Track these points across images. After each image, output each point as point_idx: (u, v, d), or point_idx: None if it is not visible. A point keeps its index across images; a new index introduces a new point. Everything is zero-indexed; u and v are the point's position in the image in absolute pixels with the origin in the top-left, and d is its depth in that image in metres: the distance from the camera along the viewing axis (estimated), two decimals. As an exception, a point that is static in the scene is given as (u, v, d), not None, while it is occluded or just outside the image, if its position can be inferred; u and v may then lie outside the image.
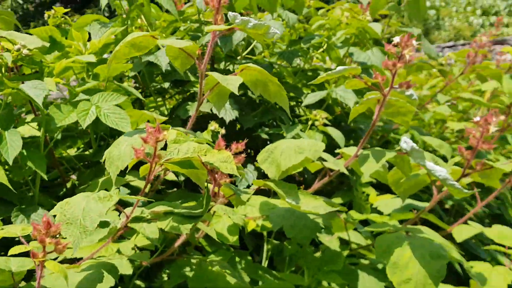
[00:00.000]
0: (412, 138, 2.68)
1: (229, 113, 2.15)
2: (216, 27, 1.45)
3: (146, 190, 1.34)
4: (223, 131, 2.06)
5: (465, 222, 2.05)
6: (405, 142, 1.61)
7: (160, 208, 1.38)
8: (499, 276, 2.24)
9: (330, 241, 2.04)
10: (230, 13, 1.41)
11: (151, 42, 1.52)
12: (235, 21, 1.41)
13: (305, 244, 1.71)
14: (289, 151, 1.56)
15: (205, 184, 1.39)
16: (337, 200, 2.41)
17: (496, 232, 1.93)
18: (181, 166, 1.32)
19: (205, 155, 1.27)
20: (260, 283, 1.74)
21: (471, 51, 2.87)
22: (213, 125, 2.05)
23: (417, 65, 2.88)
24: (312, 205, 1.49)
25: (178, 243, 1.50)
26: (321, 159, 1.72)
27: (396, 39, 1.55)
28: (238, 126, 2.44)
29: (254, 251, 2.13)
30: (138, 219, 1.37)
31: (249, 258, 1.90)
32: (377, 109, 1.66)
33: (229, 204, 1.51)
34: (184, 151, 1.24)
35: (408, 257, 1.61)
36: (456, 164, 2.02)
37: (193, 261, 1.64)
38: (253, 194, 1.78)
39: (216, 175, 1.37)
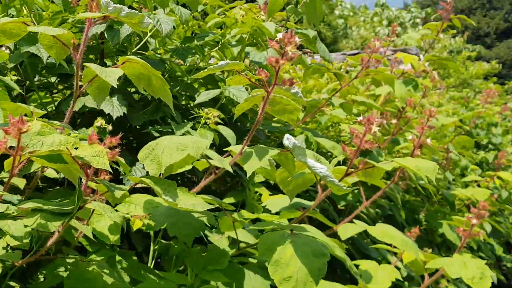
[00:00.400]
0: (307, 140, 2.69)
1: (116, 109, 2.07)
2: (88, 14, 1.39)
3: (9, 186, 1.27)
4: (110, 127, 2.00)
5: (352, 221, 2.07)
6: (287, 139, 1.60)
7: (29, 205, 1.31)
8: (384, 274, 2.28)
9: (220, 241, 2.00)
10: (102, 0, 1.35)
11: (23, 29, 1.44)
12: (108, 9, 1.35)
13: (188, 242, 1.67)
14: (171, 148, 1.51)
15: (77, 180, 1.33)
16: (229, 200, 2.39)
17: (379, 230, 1.95)
18: (49, 160, 1.26)
19: (76, 149, 1.21)
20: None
21: (365, 56, 2.91)
22: (99, 121, 1.97)
23: (313, 68, 2.89)
24: (190, 202, 1.45)
25: (50, 242, 1.43)
26: (206, 157, 1.68)
27: (279, 35, 1.53)
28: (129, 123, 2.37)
29: (144, 251, 2.07)
30: (3, 216, 1.29)
31: (134, 258, 1.84)
32: (261, 106, 1.64)
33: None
34: (48, 144, 1.17)
35: (290, 255, 1.59)
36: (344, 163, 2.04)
37: (69, 261, 1.57)
38: (142, 192, 1.73)
39: (88, 171, 1.31)
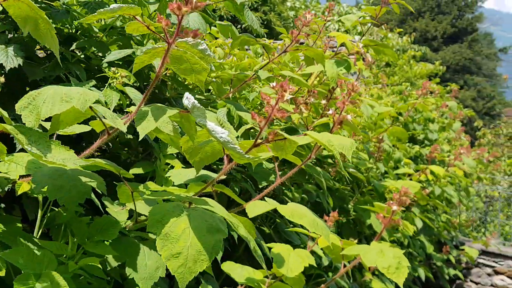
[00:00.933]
0: (229, 113, 2.51)
1: (10, 60, 1.84)
2: None
3: None
4: (2, 79, 1.78)
5: (263, 199, 1.90)
6: (187, 98, 1.42)
7: None
8: (297, 259, 2.13)
9: (118, 213, 1.82)
10: None
11: None
12: None
13: (71, 207, 1.48)
14: (54, 99, 1.32)
15: None
16: (137, 170, 2.19)
17: (290, 209, 1.78)
18: None
19: None
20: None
21: (295, 30, 2.74)
22: (-12, 72, 1.75)
23: (241, 39, 2.71)
24: (62, 157, 1.26)
25: None
26: (102, 116, 1.48)
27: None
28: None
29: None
30: None
31: (19, 225, 1.64)
32: (161, 60, 1.45)
33: None
34: None
35: (182, 229, 1.41)
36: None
37: None
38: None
39: None
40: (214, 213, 1.49)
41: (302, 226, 1.81)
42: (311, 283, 3.26)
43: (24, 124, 1.28)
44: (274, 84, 1.60)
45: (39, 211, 1.74)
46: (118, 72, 1.99)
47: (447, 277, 8.02)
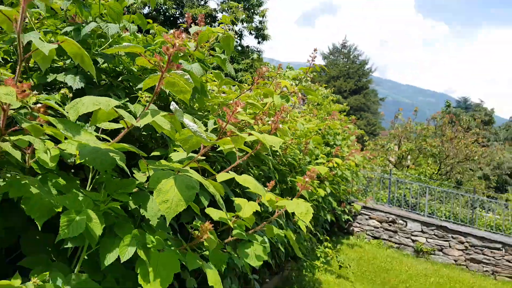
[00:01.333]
0: (215, 122, 2.36)
1: (76, 83, 1.69)
2: None
3: None
4: (70, 95, 1.63)
5: (228, 172, 1.76)
6: (173, 105, 1.28)
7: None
8: (249, 206, 1.98)
9: (140, 176, 1.67)
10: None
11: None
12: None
13: (102, 170, 1.33)
14: (88, 103, 1.17)
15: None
16: (156, 153, 2.03)
17: (242, 178, 1.65)
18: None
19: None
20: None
21: (256, 76, 2.60)
22: (63, 90, 1.59)
23: (225, 80, 2.57)
24: (86, 138, 1.13)
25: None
26: (122, 116, 1.33)
27: (171, 31, 1.21)
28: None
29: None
30: None
31: (76, 182, 1.49)
32: (157, 83, 1.30)
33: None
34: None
35: (170, 186, 1.28)
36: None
37: (8, 175, 1.20)
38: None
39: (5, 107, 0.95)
40: (192, 177, 1.35)
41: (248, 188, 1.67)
42: (263, 221, 3.12)
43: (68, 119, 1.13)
44: (232, 101, 1.46)
45: (90, 174, 1.59)
46: (143, 94, 1.84)
47: (344, 220, 7.92)
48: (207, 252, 1.97)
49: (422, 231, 8.84)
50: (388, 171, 14.81)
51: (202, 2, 21.24)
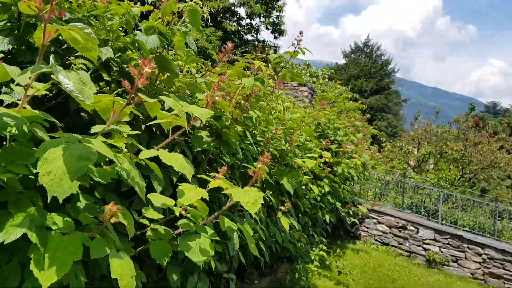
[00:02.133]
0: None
1: (4, 45, 1.54)
2: None
3: None
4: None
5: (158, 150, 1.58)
6: (51, 62, 1.11)
7: None
8: (193, 193, 1.81)
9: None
10: None
11: None
12: None
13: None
14: None
15: None
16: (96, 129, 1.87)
17: (167, 156, 1.46)
18: None
19: None
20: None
21: (221, 54, 2.41)
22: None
23: (192, 58, 2.39)
24: None
25: None
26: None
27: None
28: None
29: None
30: None
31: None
32: (43, 37, 1.13)
33: None
34: None
35: (57, 156, 1.11)
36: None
37: None
38: None
39: None
40: (90, 148, 1.18)
41: (171, 167, 1.47)
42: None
43: None
44: (140, 61, 1.27)
45: None
46: (75, 60, 1.68)
47: (349, 223, 7.65)
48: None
49: (435, 239, 8.48)
50: (406, 175, 14.40)
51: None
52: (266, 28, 20.86)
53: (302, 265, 5.13)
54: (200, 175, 2.00)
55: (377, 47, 40.55)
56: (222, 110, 2.43)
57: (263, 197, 3.43)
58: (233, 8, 20.61)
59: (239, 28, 20.33)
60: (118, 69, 1.97)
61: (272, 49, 17.56)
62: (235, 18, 21.19)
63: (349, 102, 14.35)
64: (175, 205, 1.92)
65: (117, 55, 1.99)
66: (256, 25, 21.30)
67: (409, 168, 17.28)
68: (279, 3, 20.19)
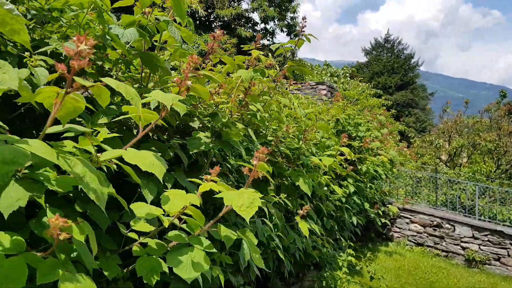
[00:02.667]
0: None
1: None
2: None
3: None
4: None
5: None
6: None
7: None
8: (179, 199, 1.56)
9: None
10: None
11: None
12: None
13: None
14: None
15: None
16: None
17: (132, 154, 1.22)
18: None
19: None
20: None
21: (210, 42, 2.16)
22: None
23: (180, 51, 2.16)
24: None
25: None
26: None
27: None
28: None
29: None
30: None
31: None
32: None
33: None
34: None
35: (-24, 160, 0.89)
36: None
37: None
38: None
39: None
40: (22, 150, 0.95)
41: (137, 166, 1.22)
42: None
43: None
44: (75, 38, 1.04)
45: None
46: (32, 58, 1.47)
47: (379, 224, 7.23)
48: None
49: (473, 237, 7.92)
50: (438, 170, 13.76)
51: (235, 4, 21.10)
52: (281, 30, 20.64)
53: (330, 272, 4.79)
54: (191, 179, 1.75)
55: (398, 42, 39.59)
56: (207, 101, 2.18)
57: (280, 201, 3.15)
58: (246, 14, 20.50)
59: (254, 33, 20.18)
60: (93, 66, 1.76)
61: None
62: (250, 24, 21.05)
63: (373, 98, 13.86)
64: (168, 214, 1.67)
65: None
66: (271, 28, 21.11)
67: (441, 163, 16.53)
68: (293, 4, 19.94)
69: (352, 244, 5.35)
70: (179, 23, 2.21)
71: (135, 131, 2.17)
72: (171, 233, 1.64)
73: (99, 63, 1.76)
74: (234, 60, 2.35)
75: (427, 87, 42.35)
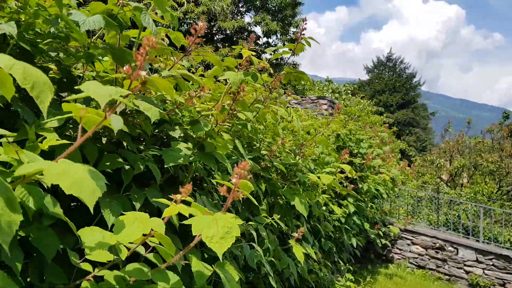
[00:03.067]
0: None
1: None
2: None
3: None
4: None
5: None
6: None
7: None
8: (137, 226, 1.23)
9: None
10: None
11: None
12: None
13: None
14: None
15: None
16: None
17: (59, 169, 0.88)
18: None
19: None
20: None
21: (192, 37, 1.85)
22: None
23: (165, 50, 1.86)
24: None
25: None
26: None
27: None
28: None
29: None
30: None
31: None
32: None
33: None
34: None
35: None
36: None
37: None
38: None
39: None
40: None
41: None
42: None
43: None
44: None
45: None
46: None
47: (380, 245, 6.84)
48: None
49: (477, 260, 7.52)
50: (439, 189, 13.38)
51: (238, 17, 20.99)
52: (284, 45, 20.50)
53: (326, 299, 4.40)
54: (157, 199, 1.41)
55: (401, 61, 39.51)
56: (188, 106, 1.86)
57: (274, 222, 2.80)
58: (249, 27, 20.36)
59: (256, 47, 20.10)
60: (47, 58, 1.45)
61: (290, 66, 17.16)
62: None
63: (374, 115, 13.58)
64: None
65: (46, 41, 1.46)
66: (273, 43, 20.96)
67: (442, 182, 16.13)
68: (296, 18, 19.83)
69: (351, 267, 4.97)
70: (162, 17, 1.91)
71: (104, 140, 1.85)
72: (130, 266, 1.31)
73: (53, 54, 1.45)
74: (223, 61, 2.04)
75: (428, 106, 42.20)
